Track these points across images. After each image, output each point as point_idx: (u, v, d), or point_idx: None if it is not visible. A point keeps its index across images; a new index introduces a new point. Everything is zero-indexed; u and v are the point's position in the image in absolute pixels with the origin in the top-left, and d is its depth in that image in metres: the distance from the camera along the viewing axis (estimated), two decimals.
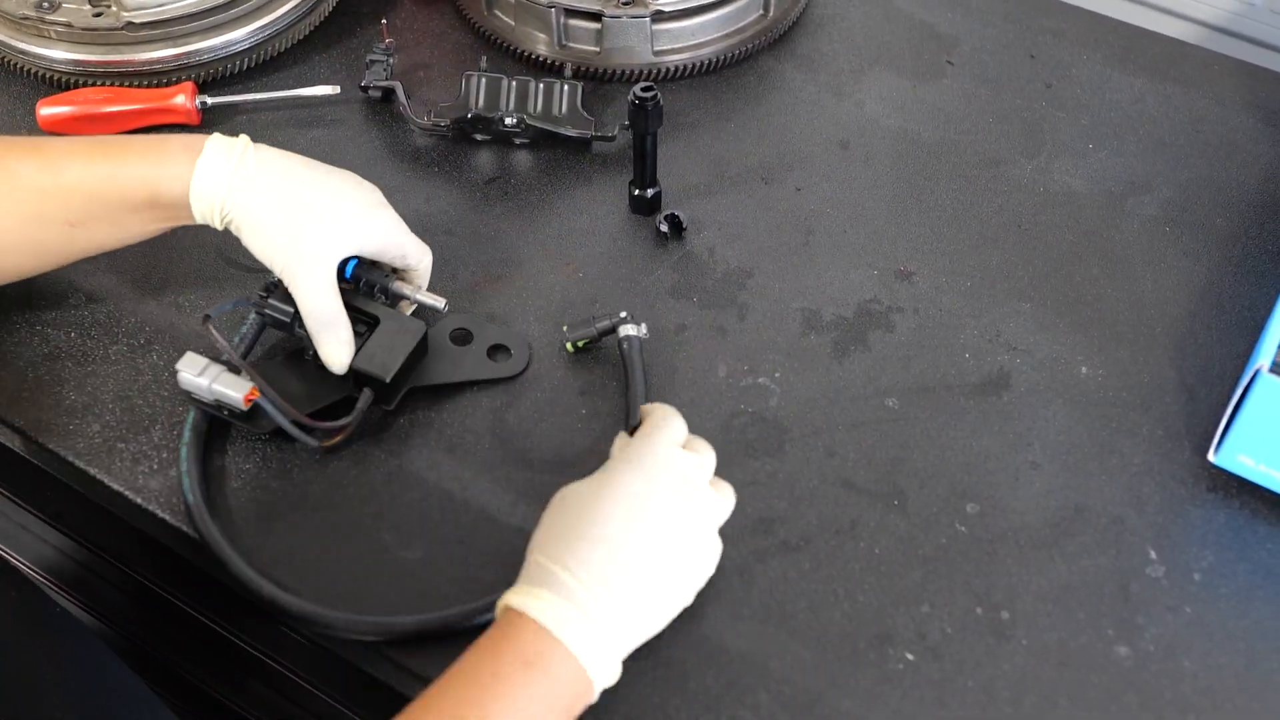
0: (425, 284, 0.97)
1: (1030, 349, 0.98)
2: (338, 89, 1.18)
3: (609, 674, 0.74)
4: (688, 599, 0.80)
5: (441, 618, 0.82)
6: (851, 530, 0.88)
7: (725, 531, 0.87)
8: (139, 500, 0.90)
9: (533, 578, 0.75)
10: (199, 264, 1.04)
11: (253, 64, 1.21)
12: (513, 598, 0.75)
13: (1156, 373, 0.96)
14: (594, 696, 0.74)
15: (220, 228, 0.91)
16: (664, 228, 1.06)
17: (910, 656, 0.81)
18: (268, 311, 0.90)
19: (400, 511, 0.89)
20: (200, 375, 0.88)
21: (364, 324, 0.92)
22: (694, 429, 0.92)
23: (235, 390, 0.87)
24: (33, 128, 1.14)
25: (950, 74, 1.22)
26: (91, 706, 0.89)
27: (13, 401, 0.96)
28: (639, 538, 0.77)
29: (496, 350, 0.97)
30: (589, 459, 0.90)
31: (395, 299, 0.95)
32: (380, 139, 1.16)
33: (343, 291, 0.91)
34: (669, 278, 1.04)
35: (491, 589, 0.81)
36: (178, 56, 1.18)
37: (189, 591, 1.09)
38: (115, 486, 0.91)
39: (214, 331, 0.86)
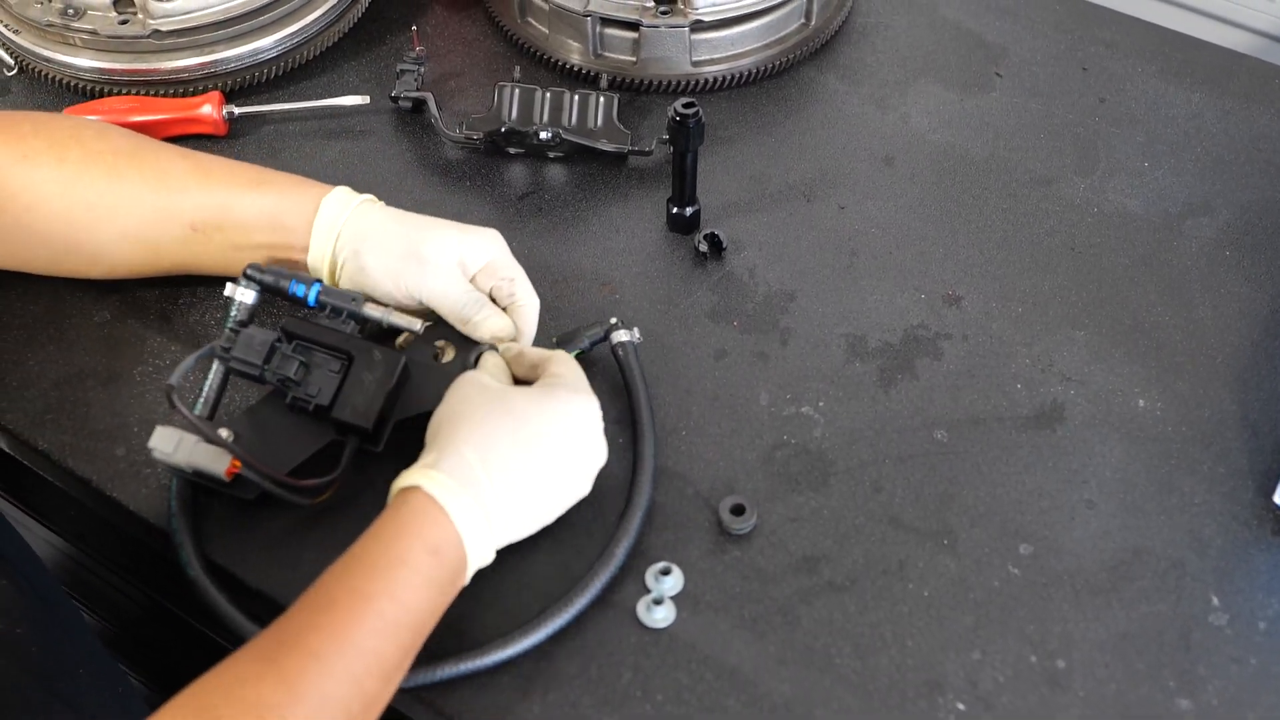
0: (531, 331, 0.93)
1: (1085, 379, 0.95)
2: (367, 99, 1.15)
3: (485, 563, 0.80)
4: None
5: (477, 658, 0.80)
6: (900, 570, 0.85)
7: (768, 570, 0.85)
8: (164, 527, 0.87)
9: (451, 468, 0.78)
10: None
11: (280, 73, 1.18)
12: (432, 487, 0.77)
13: (1217, 406, 0.93)
14: (467, 581, 0.80)
15: (328, 259, 0.93)
16: (703, 247, 1.03)
17: (961, 706, 0.78)
18: (233, 365, 0.86)
19: None
20: (176, 451, 0.83)
21: (337, 361, 0.86)
22: (735, 459, 0.91)
23: (215, 464, 0.82)
24: None
25: (999, 86, 1.18)
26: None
27: (36, 423, 0.94)
28: (555, 467, 0.82)
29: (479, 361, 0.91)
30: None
31: (366, 323, 0.90)
32: (410, 151, 1.13)
33: (309, 321, 0.88)
34: (708, 299, 1.01)
35: (520, 621, 0.81)
36: (204, 65, 1.15)
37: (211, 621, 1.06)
38: (140, 513, 0.89)
39: (179, 405, 0.81)
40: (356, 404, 0.85)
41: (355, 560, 0.75)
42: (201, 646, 1.11)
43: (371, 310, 0.89)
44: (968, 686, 0.79)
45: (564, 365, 0.87)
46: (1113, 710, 0.78)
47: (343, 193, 0.94)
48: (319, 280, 0.90)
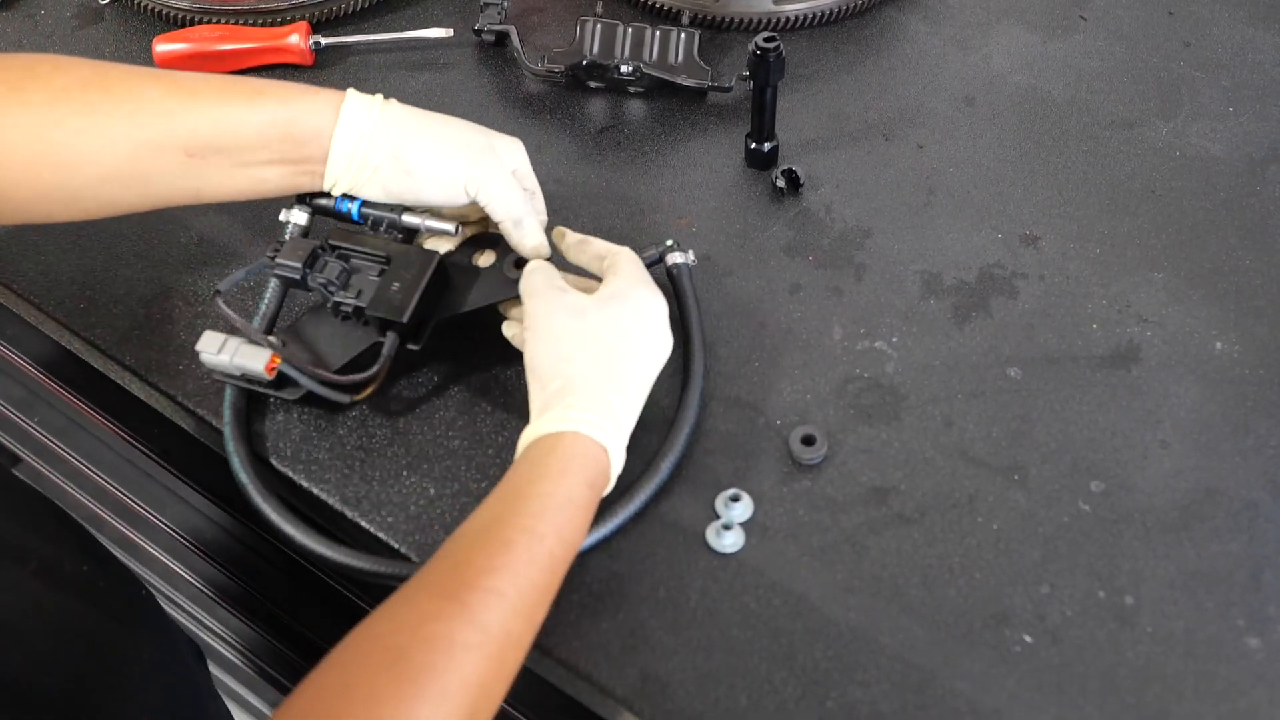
0: (534, 231, 0.91)
1: (1161, 321, 0.94)
2: (451, 31, 1.16)
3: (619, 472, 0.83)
4: None
5: None
6: (969, 504, 0.85)
7: (837, 500, 0.86)
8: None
9: (593, 405, 0.80)
10: None
11: (367, 4, 1.19)
12: (590, 430, 0.80)
13: None
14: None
15: (353, 167, 0.88)
16: (780, 183, 1.03)
17: (1028, 639, 0.79)
18: (279, 272, 0.88)
19: (481, 449, 0.89)
20: (220, 352, 0.86)
21: (377, 266, 0.89)
22: (806, 391, 0.91)
23: (256, 361, 0.85)
24: (148, 65, 1.13)
25: (1083, 29, 1.16)
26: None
27: (123, 340, 0.96)
28: (649, 370, 0.86)
29: (519, 264, 0.91)
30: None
31: (408, 232, 0.92)
32: (492, 84, 1.14)
33: (353, 233, 0.90)
34: (784, 234, 1.01)
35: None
36: None
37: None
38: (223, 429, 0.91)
39: (224, 307, 0.85)
40: (392, 299, 0.87)
41: (525, 500, 0.77)
42: (295, 574, 1.14)
43: (410, 218, 0.91)
44: (1035, 620, 0.80)
45: (633, 265, 0.88)
46: (1180, 647, 0.78)
47: (360, 96, 0.89)
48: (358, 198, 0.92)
